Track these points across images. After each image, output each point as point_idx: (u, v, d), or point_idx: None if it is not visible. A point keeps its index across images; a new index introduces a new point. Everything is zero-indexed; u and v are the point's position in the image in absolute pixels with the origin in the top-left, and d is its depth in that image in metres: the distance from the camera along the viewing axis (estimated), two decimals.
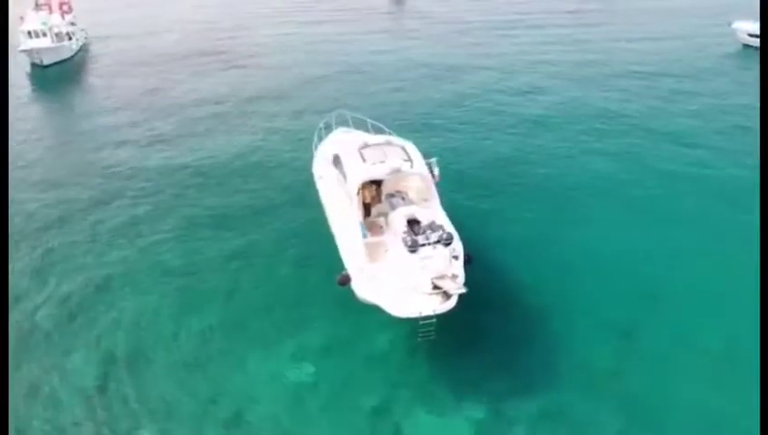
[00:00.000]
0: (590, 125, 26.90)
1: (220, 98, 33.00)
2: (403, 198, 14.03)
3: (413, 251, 11.70)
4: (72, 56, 44.41)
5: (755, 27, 40.48)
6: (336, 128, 19.05)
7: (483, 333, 13.42)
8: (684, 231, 17.32)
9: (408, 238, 11.76)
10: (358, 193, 13.11)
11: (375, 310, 11.62)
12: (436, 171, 13.19)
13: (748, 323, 12.73)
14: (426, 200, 13.93)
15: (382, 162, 13.31)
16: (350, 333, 13.79)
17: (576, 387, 12.15)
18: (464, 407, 11.81)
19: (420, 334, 11.64)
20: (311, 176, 17.40)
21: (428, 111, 29.54)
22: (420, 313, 11.05)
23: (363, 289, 11.94)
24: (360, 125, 18.59)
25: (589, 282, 15.19)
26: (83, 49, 46.92)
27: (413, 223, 12.55)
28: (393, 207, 13.49)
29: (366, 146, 14.20)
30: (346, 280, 12.46)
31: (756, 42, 40.94)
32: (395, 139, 15.10)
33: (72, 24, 45.97)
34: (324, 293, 14.62)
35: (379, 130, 17.14)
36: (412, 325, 12.16)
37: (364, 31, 50.79)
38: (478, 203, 19.43)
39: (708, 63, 38.89)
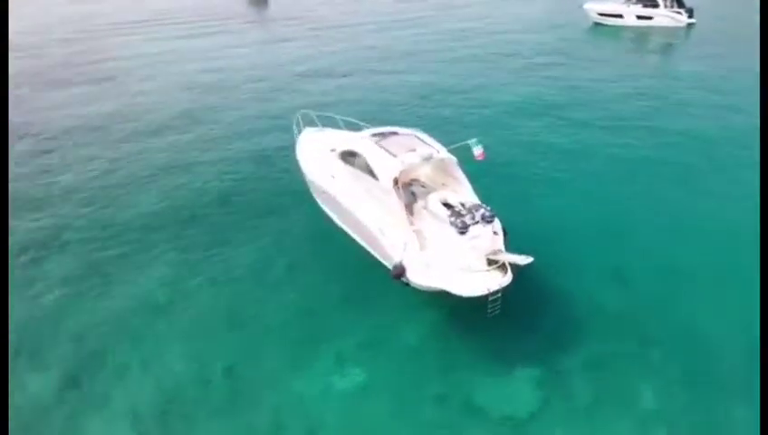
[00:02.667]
0: (467, 101, 29.63)
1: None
2: (423, 186, 14.12)
3: (463, 233, 11.97)
4: None
5: (604, 7, 46.37)
6: (304, 128, 18.45)
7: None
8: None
9: (458, 221, 11.99)
10: (396, 185, 12.91)
11: (394, 303, 11.95)
12: (479, 150, 13.36)
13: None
14: (444, 185, 14.17)
15: (412, 151, 13.24)
16: (379, 331, 13.51)
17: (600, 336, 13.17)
18: (517, 372, 12.16)
19: (489, 310, 11.89)
20: (302, 180, 16.79)
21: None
22: (488, 289, 11.35)
23: (423, 277, 11.95)
24: (329, 123, 18.24)
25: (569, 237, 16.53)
26: None
27: (448, 206, 12.78)
28: (417, 196, 13.53)
29: (381, 137, 14.00)
30: (401, 271, 12.32)
31: (604, 20, 47.04)
32: (400, 128, 15.07)
33: None
34: (335, 296, 14.28)
35: (351, 125, 17.01)
36: (437, 310, 12.54)
37: (234, 43, 45.86)
38: None
39: (567, 39, 44.06)
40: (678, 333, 13.03)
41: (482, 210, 12.50)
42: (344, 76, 34.74)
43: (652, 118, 26.59)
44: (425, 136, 14.33)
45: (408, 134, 14.38)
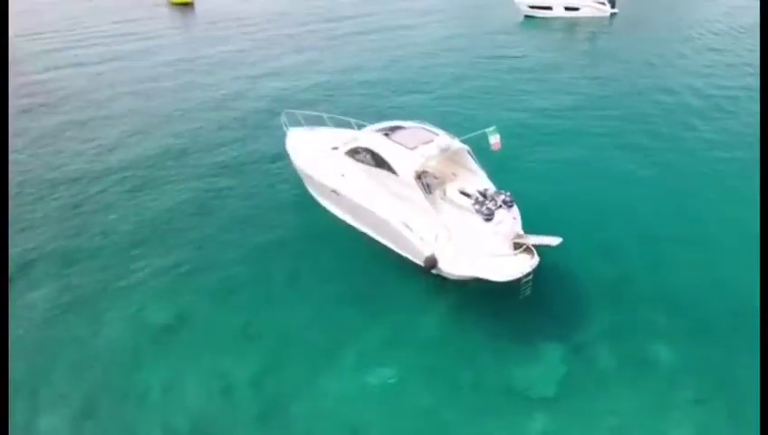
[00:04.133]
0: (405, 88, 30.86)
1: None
2: (436, 177, 14.09)
3: (489, 219, 12.09)
4: None
5: (534, 0, 48.39)
6: (289, 128, 17.95)
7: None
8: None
9: (483, 208, 12.08)
10: (419, 178, 12.78)
11: (408, 297, 12.24)
12: (496, 139, 13.41)
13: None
14: (454, 175, 14.20)
15: (427, 143, 13.16)
16: (399, 325, 13.45)
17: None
18: (542, 350, 12.49)
19: (522, 291, 12.07)
20: (299, 181, 16.22)
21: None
22: (522, 272, 11.53)
23: (456, 267, 11.94)
24: (314, 121, 17.85)
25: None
26: None
27: (465, 195, 12.86)
28: (432, 187, 13.49)
29: (391, 131, 13.82)
30: (433, 263, 12.23)
31: (534, 12, 49.09)
32: (403, 122, 14.95)
33: None
34: (348, 295, 14.05)
35: (339, 123, 16.79)
36: (451, 300, 12.77)
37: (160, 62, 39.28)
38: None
39: (500, 30, 45.94)
40: (680, 293, 13.90)
41: (502, 196, 12.67)
42: (273, 74, 34.05)
43: (586, 101, 28.35)
44: (432, 127, 14.32)
45: (415, 127, 14.32)
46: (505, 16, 50.76)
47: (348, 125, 16.96)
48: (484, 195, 12.73)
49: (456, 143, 13.59)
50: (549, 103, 27.87)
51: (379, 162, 13.44)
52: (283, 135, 18.09)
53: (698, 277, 14.48)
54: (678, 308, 13.52)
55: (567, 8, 48.10)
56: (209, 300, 14.42)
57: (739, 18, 46.33)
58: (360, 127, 16.87)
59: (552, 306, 13.53)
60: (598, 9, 47.67)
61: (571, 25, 47.13)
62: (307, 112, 18.10)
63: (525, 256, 11.97)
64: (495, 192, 12.78)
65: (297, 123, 18.10)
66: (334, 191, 14.98)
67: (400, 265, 14.60)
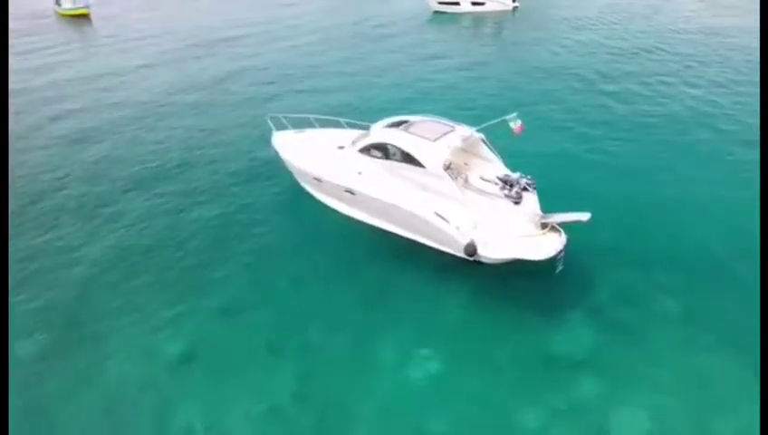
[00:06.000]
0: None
1: None
2: (452, 167, 14.51)
3: (518, 202, 12.77)
4: None
5: None
6: (276, 130, 17.54)
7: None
8: None
9: (512, 192, 12.72)
10: (448, 168, 13.03)
11: (430, 284, 12.87)
12: (518, 124, 13.82)
13: None
14: (466, 164, 14.68)
15: (447, 133, 13.48)
16: (428, 313, 13.77)
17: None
18: (569, 317, 13.34)
19: (558, 267, 12.83)
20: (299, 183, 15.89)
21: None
22: (557, 250, 12.34)
23: (495, 251, 12.46)
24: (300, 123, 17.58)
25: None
26: None
27: (489, 181, 13.44)
28: (453, 177, 13.92)
29: (406, 125, 13.99)
30: (473, 250, 12.63)
31: (443, 8, 51.08)
32: (408, 116, 15.14)
33: None
34: (374, 290, 14.23)
35: (325, 123, 16.82)
36: (471, 285, 13.36)
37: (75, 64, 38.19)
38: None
39: (410, 25, 47.68)
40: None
41: (524, 179, 13.36)
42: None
43: (496, 88, 30.19)
44: (440, 118, 14.70)
45: (426, 120, 14.62)
46: (415, 13, 52.29)
47: (338, 125, 16.89)
48: (506, 180, 13.36)
49: (475, 133, 14.11)
50: (464, 93, 29.37)
51: (402, 157, 13.57)
52: (257, 141, 17.63)
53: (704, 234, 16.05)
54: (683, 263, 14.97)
55: (474, 3, 50.59)
56: (223, 320, 13.87)
57: (629, 8, 51.28)
58: (351, 126, 16.87)
59: (566, 279, 14.13)
60: (501, 3, 50.64)
61: (478, 19, 49.61)
62: (293, 115, 17.71)
63: (554, 235, 12.79)
64: (516, 176, 13.46)
65: (282, 127, 17.66)
66: (349, 191, 14.84)
67: (419, 257, 14.93)
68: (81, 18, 50.91)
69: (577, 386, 11.72)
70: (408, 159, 13.54)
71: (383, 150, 14.20)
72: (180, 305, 14.16)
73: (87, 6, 51.51)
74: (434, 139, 13.64)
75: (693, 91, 27.95)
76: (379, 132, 14.43)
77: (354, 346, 13.05)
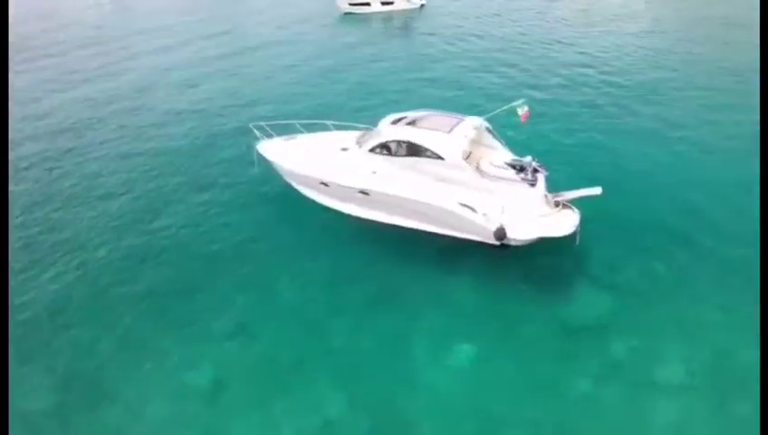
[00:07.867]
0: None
1: None
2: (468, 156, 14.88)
3: (533, 185, 13.52)
4: None
5: None
6: (261, 141, 16.95)
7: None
8: None
9: (528, 176, 13.43)
10: (467, 158, 13.31)
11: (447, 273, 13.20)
12: (524, 111, 14.29)
13: None
14: (474, 153, 15.12)
15: (460, 124, 13.82)
16: (453, 303, 14.02)
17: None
18: (585, 289, 14.12)
19: (577, 239, 13.58)
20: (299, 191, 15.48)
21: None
22: (575, 224, 13.24)
23: (524, 232, 13.08)
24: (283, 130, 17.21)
25: None
26: None
27: (500, 167, 14.06)
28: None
29: (413, 120, 14.15)
30: (503, 234, 13.11)
31: (354, 9, 51.47)
32: (408, 112, 15.25)
33: None
34: (396, 286, 14.26)
35: (312, 127, 16.74)
36: (477, 272, 13.86)
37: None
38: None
39: (320, 26, 48.32)
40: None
41: (533, 163, 14.07)
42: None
43: (410, 83, 31.29)
44: (441, 111, 15.06)
45: (431, 114, 14.87)
46: (326, 13, 52.21)
47: (325, 128, 16.69)
48: (517, 165, 13.99)
49: (483, 121, 14.63)
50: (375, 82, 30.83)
51: (418, 151, 13.69)
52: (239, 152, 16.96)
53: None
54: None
55: (383, 2, 51.50)
56: (246, 339, 13.32)
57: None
58: (338, 128, 16.72)
59: (575, 252, 14.75)
60: (409, 2, 52.03)
61: (387, 18, 50.59)
62: (275, 122, 17.11)
63: (567, 211, 13.64)
64: (526, 160, 14.12)
65: (268, 135, 17.04)
66: (363, 192, 14.66)
67: (425, 248, 15.15)
68: None
69: (613, 348, 12.57)
70: (425, 153, 13.70)
71: (396, 147, 14.22)
72: (194, 334, 13.31)
73: None
74: (448, 130, 13.91)
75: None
76: (390, 130, 14.44)
77: (384, 344, 13.01)
